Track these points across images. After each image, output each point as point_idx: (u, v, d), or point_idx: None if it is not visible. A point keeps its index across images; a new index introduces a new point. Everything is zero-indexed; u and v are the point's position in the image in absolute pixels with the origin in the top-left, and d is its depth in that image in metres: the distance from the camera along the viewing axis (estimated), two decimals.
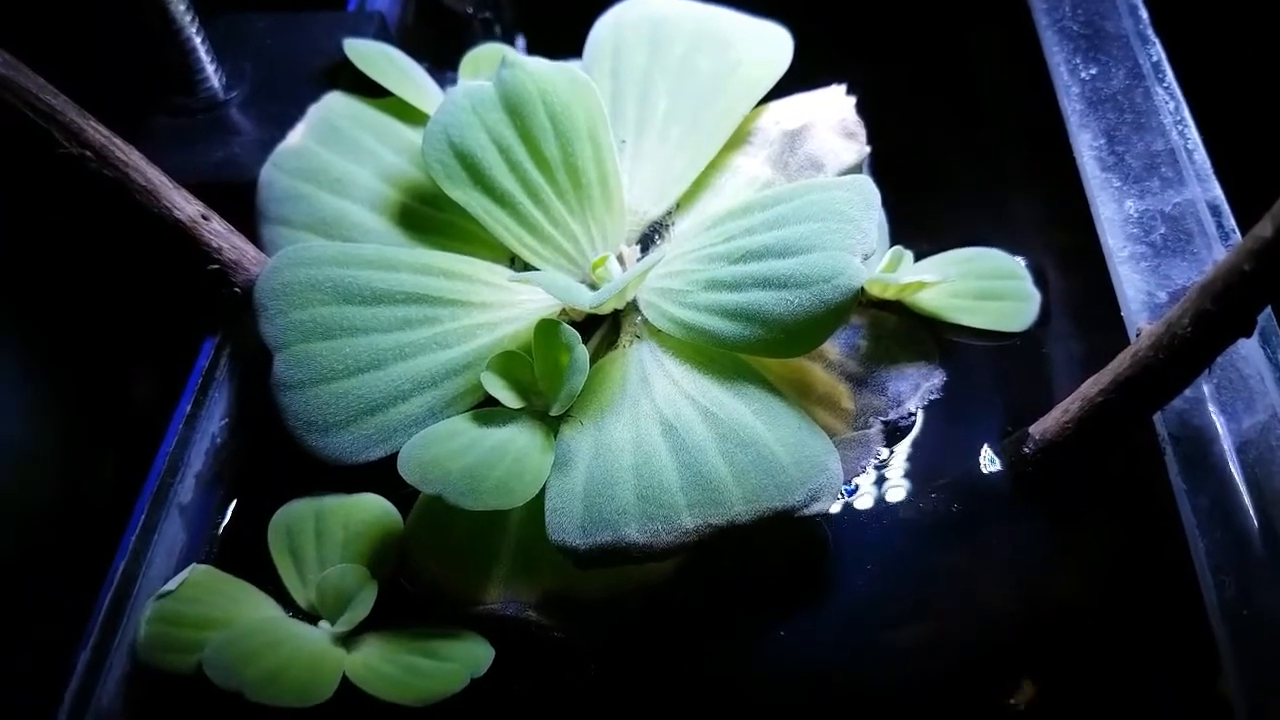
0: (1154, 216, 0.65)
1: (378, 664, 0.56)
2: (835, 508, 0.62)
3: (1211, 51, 0.77)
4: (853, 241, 0.58)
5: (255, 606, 0.59)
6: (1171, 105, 0.71)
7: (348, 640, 0.58)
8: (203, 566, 0.60)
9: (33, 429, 0.72)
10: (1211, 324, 0.49)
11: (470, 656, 0.57)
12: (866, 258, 0.58)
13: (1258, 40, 0.80)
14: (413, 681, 0.55)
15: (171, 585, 0.58)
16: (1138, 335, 0.55)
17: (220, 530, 0.64)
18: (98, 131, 0.61)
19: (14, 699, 0.58)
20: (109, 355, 0.75)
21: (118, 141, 0.62)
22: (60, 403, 0.73)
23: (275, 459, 0.63)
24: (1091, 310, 0.68)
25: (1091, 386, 0.57)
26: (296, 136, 0.72)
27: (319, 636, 0.58)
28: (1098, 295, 0.65)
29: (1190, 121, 0.69)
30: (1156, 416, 0.57)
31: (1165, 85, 0.72)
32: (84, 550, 0.62)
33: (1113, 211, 0.65)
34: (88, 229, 0.72)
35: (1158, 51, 0.73)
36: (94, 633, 0.56)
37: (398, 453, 0.58)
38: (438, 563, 0.61)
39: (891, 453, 0.64)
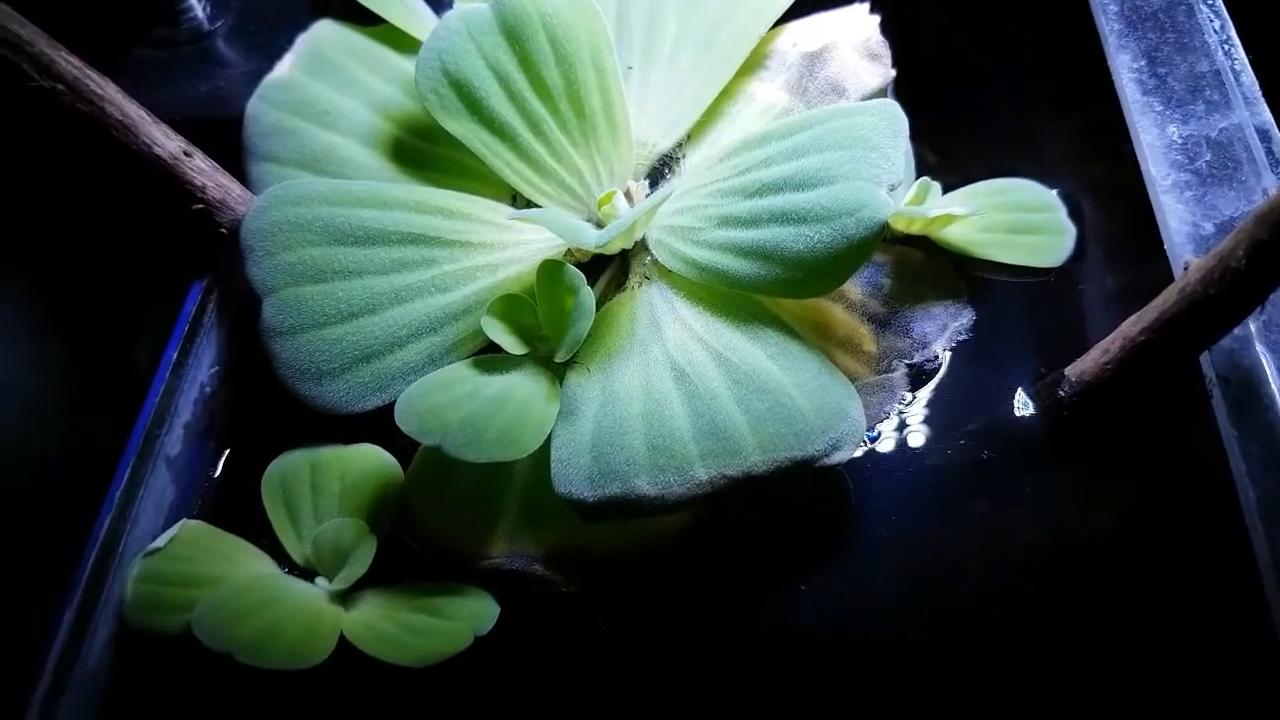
0: (1199, 142, 0.60)
1: (377, 622, 0.54)
2: (858, 455, 0.59)
3: None
4: (878, 171, 0.54)
5: (248, 563, 0.57)
6: (1216, 24, 0.66)
7: (345, 598, 0.55)
8: (193, 522, 0.58)
9: (27, 380, 0.69)
10: (1268, 256, 0.45)
11: (474, 613, 0.54)
12: (893, 189, 0.54)
13: None
14: (414, 641, 0.53)
15: (160, 542, 0.55)
16: (1185, 269, 0.51)
17: (211, 484, 0.62)
18: (70, 63, 0.58)
19: None
20: (105, 300, 0.72)
21: (92, 74, 0.58)
22: (58, 353, 0.70)
23: (268, 409, 0.60)
24: (1130, 244, 0.64)
25: (1134, 325, 0.53)
26: (284, 68, 0.68)
27: (315, 594, 0.55)
28: (1136, 228, 0.61)
29: (1236, 41, 0.65)
30: (1203, 356, 0.53)
31: (1209, 2, 0.67)
32: (78, 506, 0.59)
33: (1154, 137, 0.61)
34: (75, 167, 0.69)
35: None
36: (78, 593, 0.53)
37: (395, 401, 0.55)
38: (439, 516, 0.58)
39: (917, 397, 0.61)
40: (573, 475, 0.54)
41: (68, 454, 0.64)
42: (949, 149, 0.69)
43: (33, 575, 0.58)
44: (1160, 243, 0.59)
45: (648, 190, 0.65)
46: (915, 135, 0.64)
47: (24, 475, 0.64)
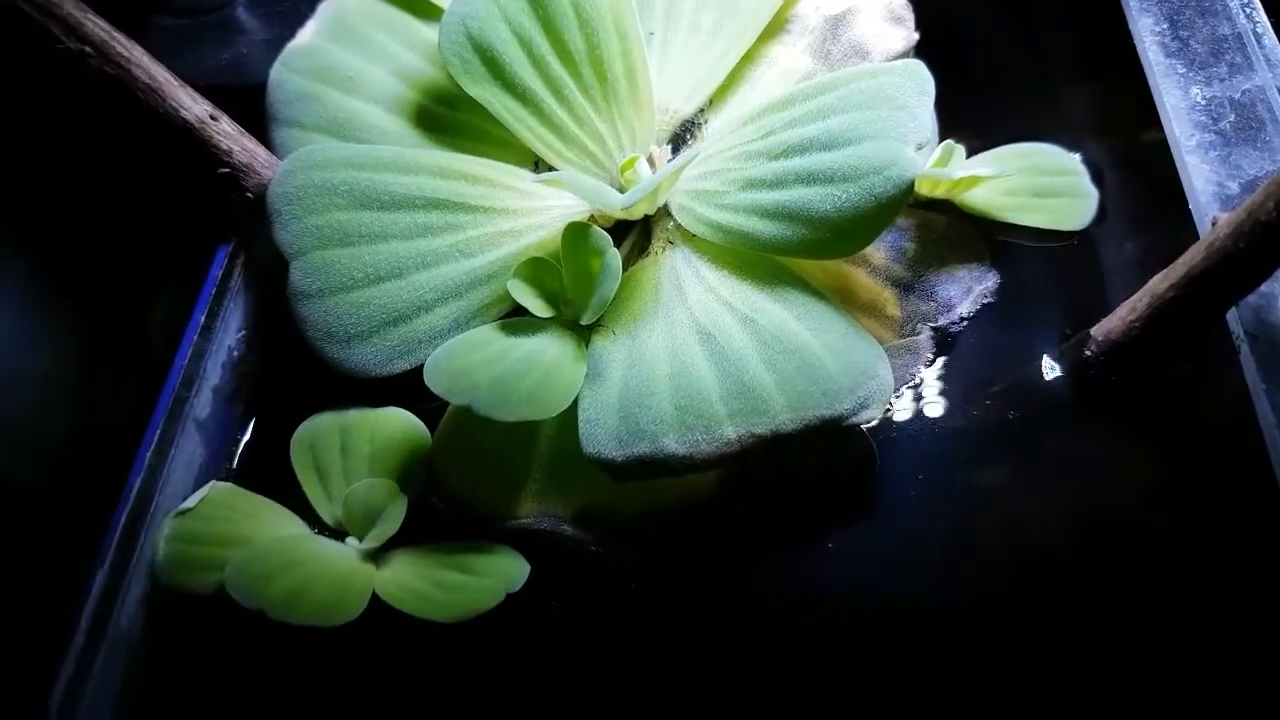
0: (1222, 104, 0.61)
1: (409, 580, 0.54)
2: (883, 417, 0.59)
3: None
4: (905, 130, 0.54)
5: (278, 524, 0.57)
6: None
7: (376, 557, 0.56)
8: (222, 483, 0.58)
9: (47, 352, 0.69)
10: None
11: (505, 571, 0.54)
12: (920, 148, 0.54)
13: None
14: (447, 598, 0.53)
15: (190, 503, 0.56)
16: (1213, 225, 0.51)
17: (240, 446, 0.62)
18: (97, 26, 0.58)
19: (32, 625, 0.56)
20: (123, 268, 0.72)
21: (119, 36, 0.59)
22: (74, 322, 0.70)
23: (296, 372, 0.60)
24: (1151, 207, 0.64)
25: (1161, 282, 0.53)
26: (307, 34, 0.68)
27: (346, 553, 0.55)
28: (1158, 191, 0.61)
29: (1258, 4, 0.65)
30: (1230, 313, 0.54)
31: None
32: (103, 475, 0.59)
33: (1178, 99, 0.61)
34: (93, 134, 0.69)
35: None
36: (110, 552, 0.54)
37: (422, 366, 0.55)
38: (468, 477, 0.58)
39: (942, 360, 0.61)
40: (601, 435, 0.54)
41: (93, 416, 0.65)
42: (971, 113, 0.69)
43: (56, 537, 0.59)
44: (1181, 206, 0.59)
45: (670, 155, 0.65)
46: (937, 99, 0.64)
47: (51, 437, 0.64)
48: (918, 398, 0.60)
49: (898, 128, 0.54)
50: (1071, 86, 0.73)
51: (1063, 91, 0.73)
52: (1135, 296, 0.55)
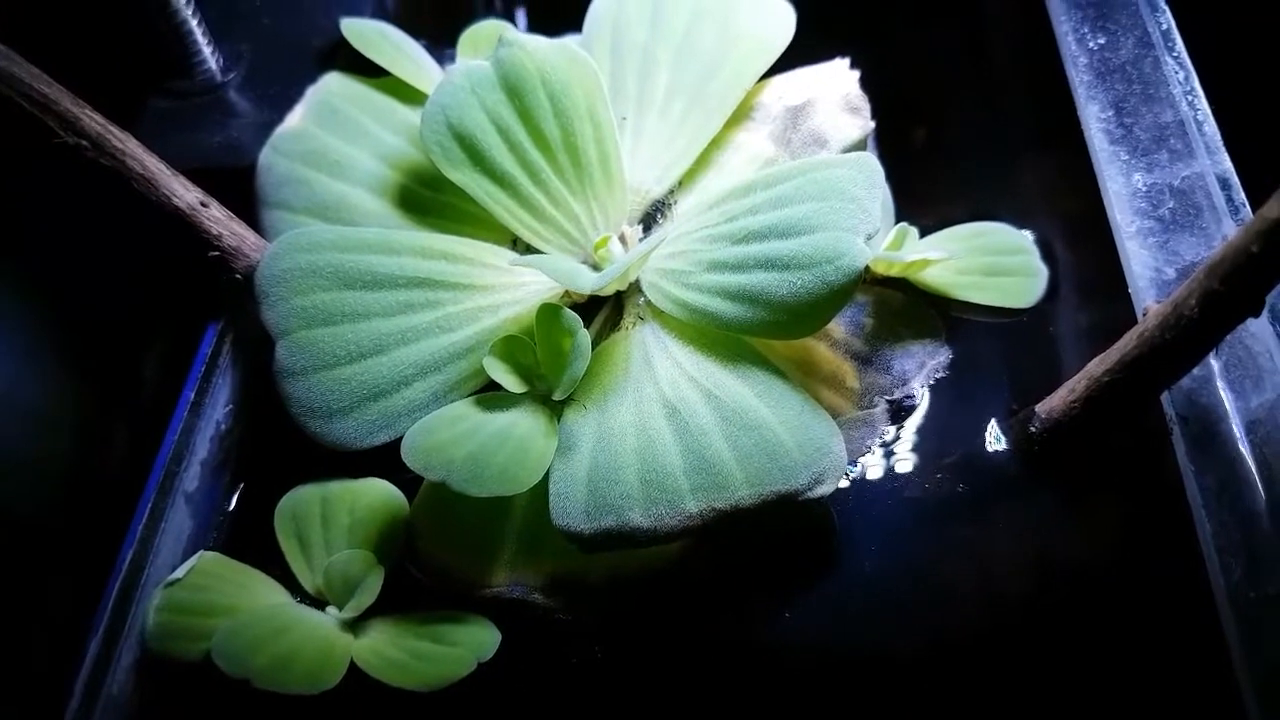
0: (1162, 190, 0.64)
1: (385, 649, 0.57)
2: (841, 487, 0.62)
3: (1222, 19, 0.75)
4: (856, 221, 0.57)
5: (263, 593, 0.60)
6: (1181, 75, 0.69)
7: (355, 626, 0.58)
8: (210, 554, 0.60)
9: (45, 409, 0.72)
10: (1219, 304, 0.48)
11: (477, 640, 0.57)
12: (870, 237, 0.57)
13: (1269, 8, 0.78)
14: (420, 667, 0.55)
15: (179, 573, 0.58)
16: (1144, 315, 0.54)
17: (227, 517, 0.65)
18: (94, 120, 0.61)
19: (26, 689, 0.58)
20: (119, 341, 0.75)
21: (114, 129, 0.62)
22: (72, 389, 0.73)
23: (280, 445, 0.63)
24: (1100, 285, 0.67)
25: (1098, 365, 0.56)
26: (295, 119, 0.72)
27: (326, 622, 0.58)
28: (1106, 270, 0.64)
29: (1200, 92, 0.68)
30: (1164, 395, 0.57)
31: (1175, 55, 0.70)
32: (94, 534, 0.62)
33: (1120, 185, 0.64)
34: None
35: (1167, 19, 0.72)
36: (103, 621, 0.56)
37: (402, 438, 0.58)
38: (443, 547, 0.61)
39: (897, 432, 0.64)
40: (570, 508, 0.57)
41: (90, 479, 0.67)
42: (929, 192, 0.72)
43: (47, 600, 0.62)
44: (1127, 284, 0.62)
45: (641, 234, 0.68)
46: (895, 181, 0.68)
47: (42, 499, 0.67)
48: (874, 469, 0.63)
49: (849, 219, 0.57)
50: (1026, 169, 0.76)
51: (1018, 174, 0.76)
52: (1075, 378, 0.58)
